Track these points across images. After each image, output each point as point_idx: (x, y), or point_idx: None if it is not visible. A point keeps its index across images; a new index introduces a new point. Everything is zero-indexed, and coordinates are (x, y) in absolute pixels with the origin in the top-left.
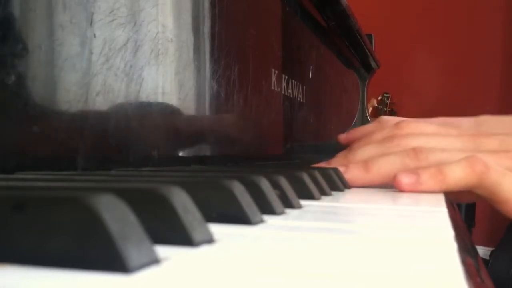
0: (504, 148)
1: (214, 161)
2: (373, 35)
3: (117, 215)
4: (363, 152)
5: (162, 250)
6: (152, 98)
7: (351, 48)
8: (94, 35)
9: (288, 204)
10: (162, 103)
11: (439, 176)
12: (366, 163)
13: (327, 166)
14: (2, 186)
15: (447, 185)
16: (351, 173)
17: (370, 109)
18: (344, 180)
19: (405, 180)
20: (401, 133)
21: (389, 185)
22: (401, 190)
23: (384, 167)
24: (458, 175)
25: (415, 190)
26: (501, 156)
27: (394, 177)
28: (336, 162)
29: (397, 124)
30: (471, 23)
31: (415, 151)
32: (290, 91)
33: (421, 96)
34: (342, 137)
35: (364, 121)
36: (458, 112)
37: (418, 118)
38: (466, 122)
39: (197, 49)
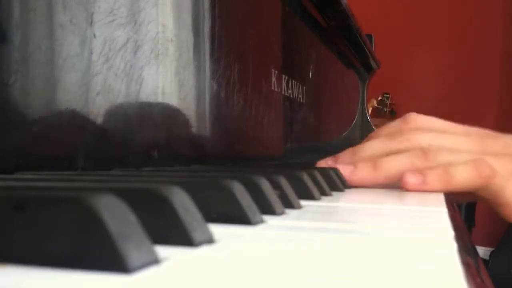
0: (507, 152)
1: (214, 161)
2: (373, 35)
3: (117, 215)
4: (371, 147)
5: (162, 250)
6: (152, 98)
7: (351, 48)
8: (94, 35)
9: (288, 204)
10: (162, 103)
11: (445, 177)
12: (375, 163)
13: (334, 162)
14: (2, 186)
15: (452, 186)
16: (361, 173)
17: (370, 109)
18: (344, 180)
19: (412, 180)
20: (409, 127)
21: (396, 185)
22: (407, 190)
23: (393, 168)
24: (464, 177)
25: (421, 190)
26: (505, 159)
27: (401, 176)
28: (344, 158)
29: (404, 118)
30: (471, 23)
31: (424, 152)
32: (290, 91)
33: (421, 96)
34: None
35: (364, 121)
36: (458, 111)
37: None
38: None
39: (197, 49)
